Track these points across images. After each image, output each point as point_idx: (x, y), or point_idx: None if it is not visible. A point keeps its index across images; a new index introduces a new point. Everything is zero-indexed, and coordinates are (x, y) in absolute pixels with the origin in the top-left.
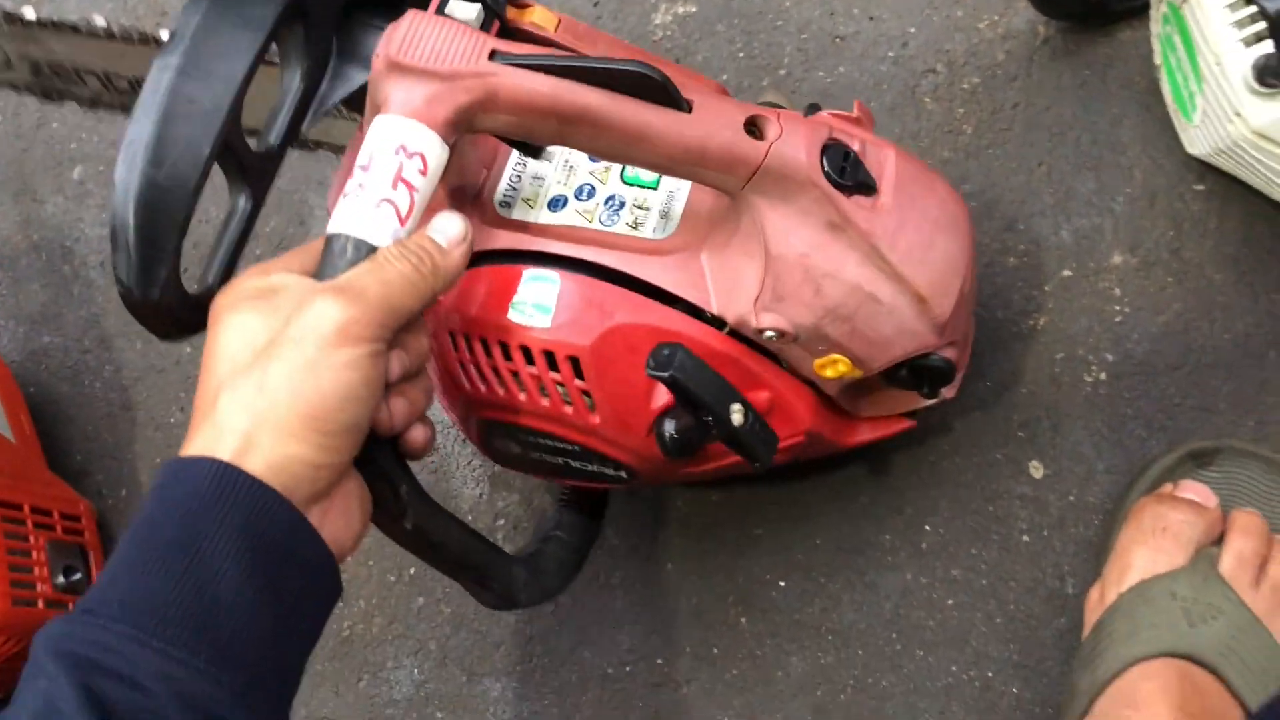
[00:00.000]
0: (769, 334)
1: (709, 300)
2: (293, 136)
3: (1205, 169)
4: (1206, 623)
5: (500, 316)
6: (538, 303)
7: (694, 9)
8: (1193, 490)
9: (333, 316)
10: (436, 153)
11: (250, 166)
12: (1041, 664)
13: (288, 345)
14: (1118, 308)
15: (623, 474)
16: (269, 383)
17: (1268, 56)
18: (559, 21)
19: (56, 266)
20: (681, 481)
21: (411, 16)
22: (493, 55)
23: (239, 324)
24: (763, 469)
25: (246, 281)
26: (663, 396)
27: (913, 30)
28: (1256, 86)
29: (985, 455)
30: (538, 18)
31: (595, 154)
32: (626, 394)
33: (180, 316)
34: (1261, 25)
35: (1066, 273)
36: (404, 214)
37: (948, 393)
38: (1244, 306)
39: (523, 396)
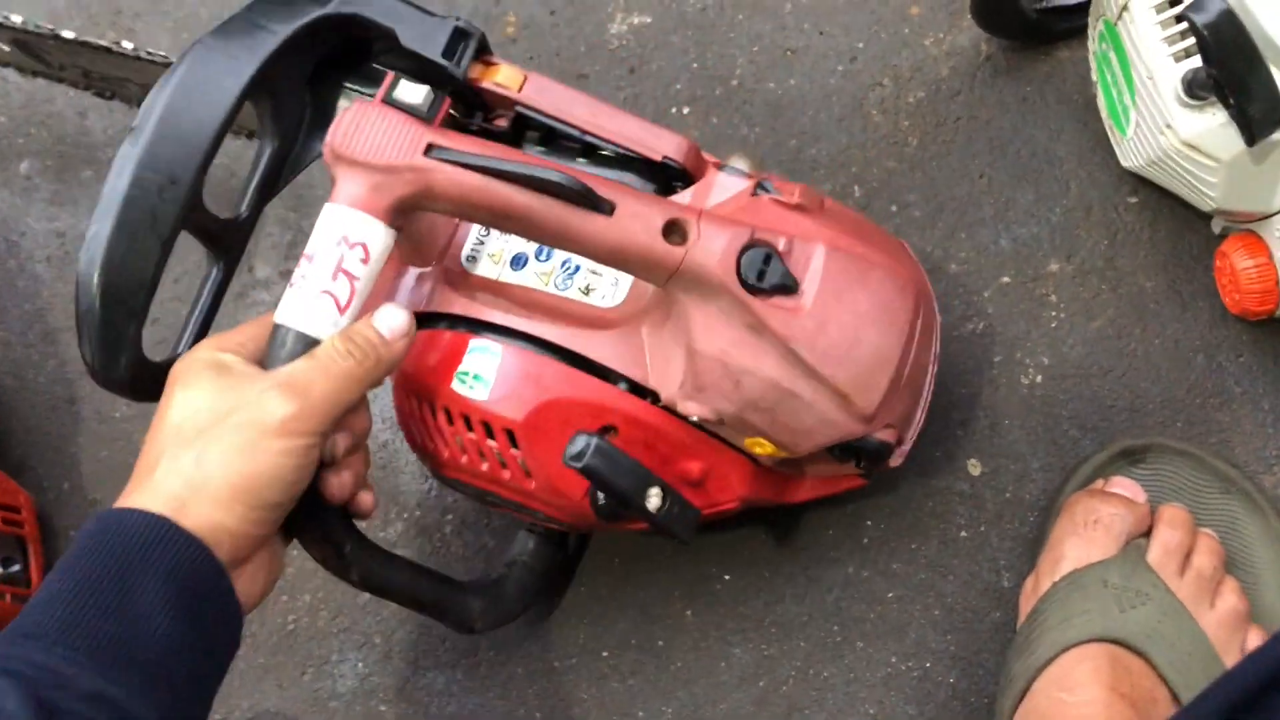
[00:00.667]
0: (695, 418)
1: (646, 375)
2: (264, 202)
3: (1138, 182)
4: (1135, 608)
5: (445, 384)
6: (478, 374)
7: (649, 20)
8: (1123, 486)
9: (276, 412)
10: (380, 240)
11: (220, 236)
12: (978, 655)
13: (229, 429)
14: (1054, 313)
15: (561, 524)
16: (207, 458)
17: (1195, 70)
18: (524, 80)
19: (1, 261)
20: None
21: (356, 108)
22: (429, 149)
23: (187, 399)
24: (686, 544)
25: (201, 353)
26: None
27: (861, 45)
28: (1186, 99)
29: (925, 453)
30: (503, 78)
31: (532, 240)
32: (559, 465)
33: (146, 386)
34: (1191, 41)
35: (1005, 279)
36: (343, 304)
37: (893, 463)
38: (1173, 313)
39: (464, 459)
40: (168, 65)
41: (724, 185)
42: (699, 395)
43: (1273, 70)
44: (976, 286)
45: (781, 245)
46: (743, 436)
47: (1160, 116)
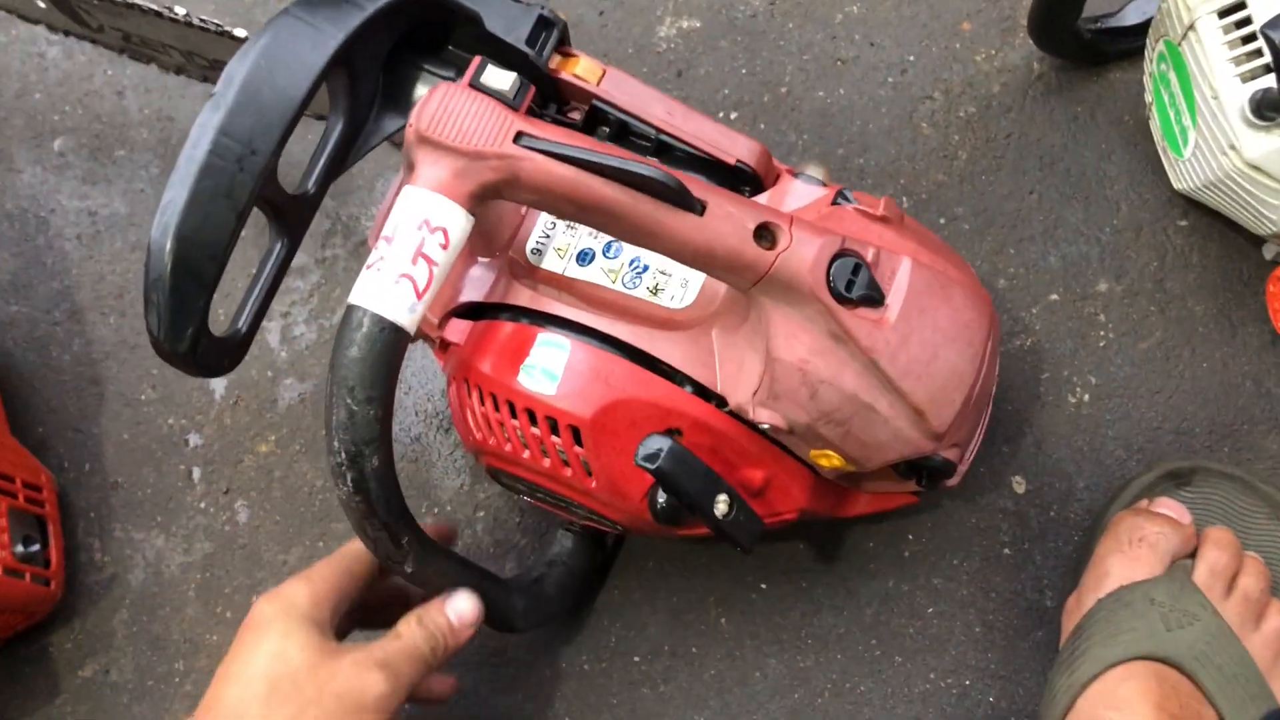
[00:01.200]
0: (767, 426)
1: (715, 379)
2: (331, 179)
3: (1189, 205)
4: (1183, 628)
5: (510, 378)
6: (546, 368)
7: (698, 24)
8: (1169, 507)
9: (374, 689)
10: (460, 226)
11: (287, 212)
12: (1018, 674)
13: (330, 699)
14: (1102, 333)
15: (618, 528)
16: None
17: (1266, 90)
18: (603, 73)
19: (30, 237)
20: (676, 539)
21: (444, 90)
22: (519, 137)
23: (284, 651)
24: (746, 553)
25: (298, 601)
26: None
27: (912, 59)
28: (1254, 119)
29: (970, 469)
30: (582, 70)
31: (613, 236)
32: (623, 465)
33: (208, 361)
34: (1259, 62)
35: (1054, 297)
36: (422, 289)
37: (951, 482)
38: (1222, 338)
39: (525, 454)
40: (220, 34)
41: (799, 193)
42: (773, 403)
43: None
44: (1025, 303)
45: (869, 256)
46: (810, 448)
47: (1224, 137)
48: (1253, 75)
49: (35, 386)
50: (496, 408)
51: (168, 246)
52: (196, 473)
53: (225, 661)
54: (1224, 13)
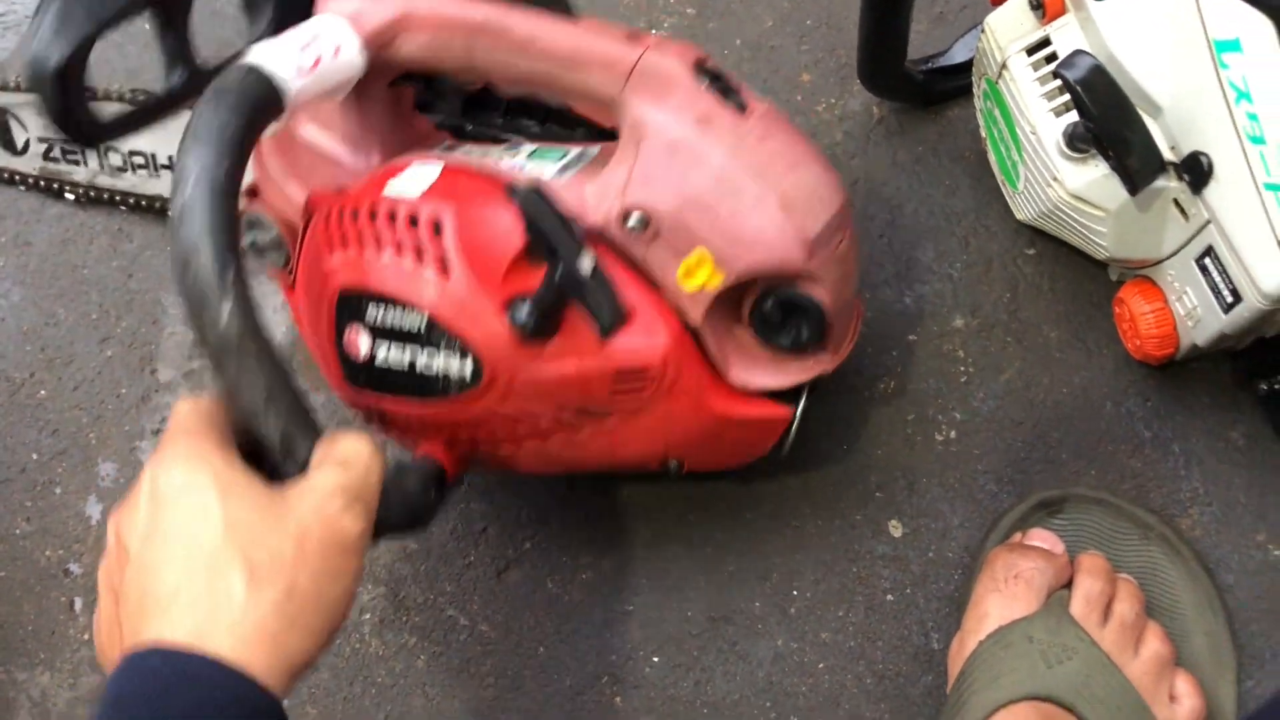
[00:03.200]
0: (634, 219)
1: (585, 212)
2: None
3: (1035, 234)
4: (1062, 664)
5: (377, 191)
6: (415, 179)
7: None
8: (1041, 538)
9: (355, 529)
10: (351, 50)
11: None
12: None
13: (313, 554)
14: (962, 368)
15: (468, 371)
16: (299, 587)
17: (1075, 124)
18: None
19: None
20: (532, 467)
21: None
22: None
23: (235, 517)
24: (607, 336)
25: (213, 453)
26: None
27: None
28: (1069, 152)
29: (846, 518)
30: None
31: (500, 72)
32: (483, 262)
33: (69, 107)
34: (1067, 97)
35: (912, 337)
36: (308, 69)
37: (825, 364)
38: (1079, 361)
39: (384, 258)
40: None
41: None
42: (642, 190)
43: (1147, 120)
44: (885, 346)
45: (731, 81)
46: (678, 258)
47: (1047, 170)
48: (1066, 108)
49: None
50: (355, 218)
51: None
52: (79, 603)
53: (148, 541)
54: (1031, 50)
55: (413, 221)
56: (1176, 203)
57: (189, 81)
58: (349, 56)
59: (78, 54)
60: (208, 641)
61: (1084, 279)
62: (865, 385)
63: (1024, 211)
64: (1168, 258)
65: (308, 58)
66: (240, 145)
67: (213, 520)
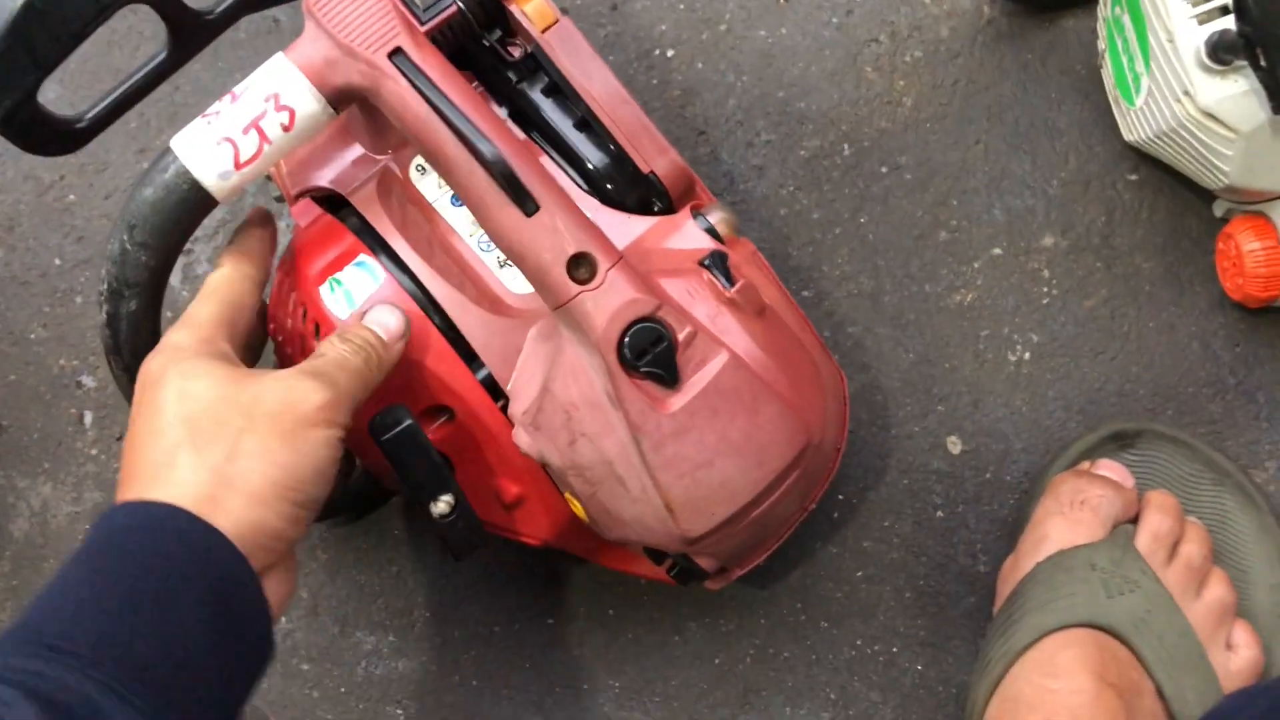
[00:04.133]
0: (522, 422)
1: (508, 379)
2: (243, 11)
3: (1139, 159)
4: (1123, 595)
5: (317, 284)
6: (350, 291)
7: None
8: (1111, 469)
9: (313, 398)
10: (310, 113)
11: (180, 24)
12: (948, 642)
13: (264, 419)
14: (1045, 289)
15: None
16: (243, 450)
17: (1223, 32)
18: (554, 23)
19: None
20: None
21: None
22: (395, 53)
23: (192, 390)
24: (455, 559)
25: (191, 340)
26: None
27: None
28: (1209, 63)
29: (903, 428)
30: (531, 10)
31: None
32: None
33: (28, 136)
34: (1216, 3)
35: (996, 251)
36: (243, 160)
37: (709, 586)
38: (1169, 297)
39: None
40: None
41: (687, 234)
42: (534, 432)
43: None
44: (966, 256)
45: (683, 334)
46: (564, 489)
47: (1177, 83)
48: (1209, 17)
49: None
50: (295, 305)
51: (12, 9)
52: (89, 417)
53: (129, 435)
54: None
55: None
56: None
57: (174, 47)
58: (305, 122)
59: (22, 102)
60: (155, 493)
61: (1186, 212)
62: (941, 294)
63: (1136, 132)
64: None
65: (248, 146)
66: (161, 258)
67: (168, 396)
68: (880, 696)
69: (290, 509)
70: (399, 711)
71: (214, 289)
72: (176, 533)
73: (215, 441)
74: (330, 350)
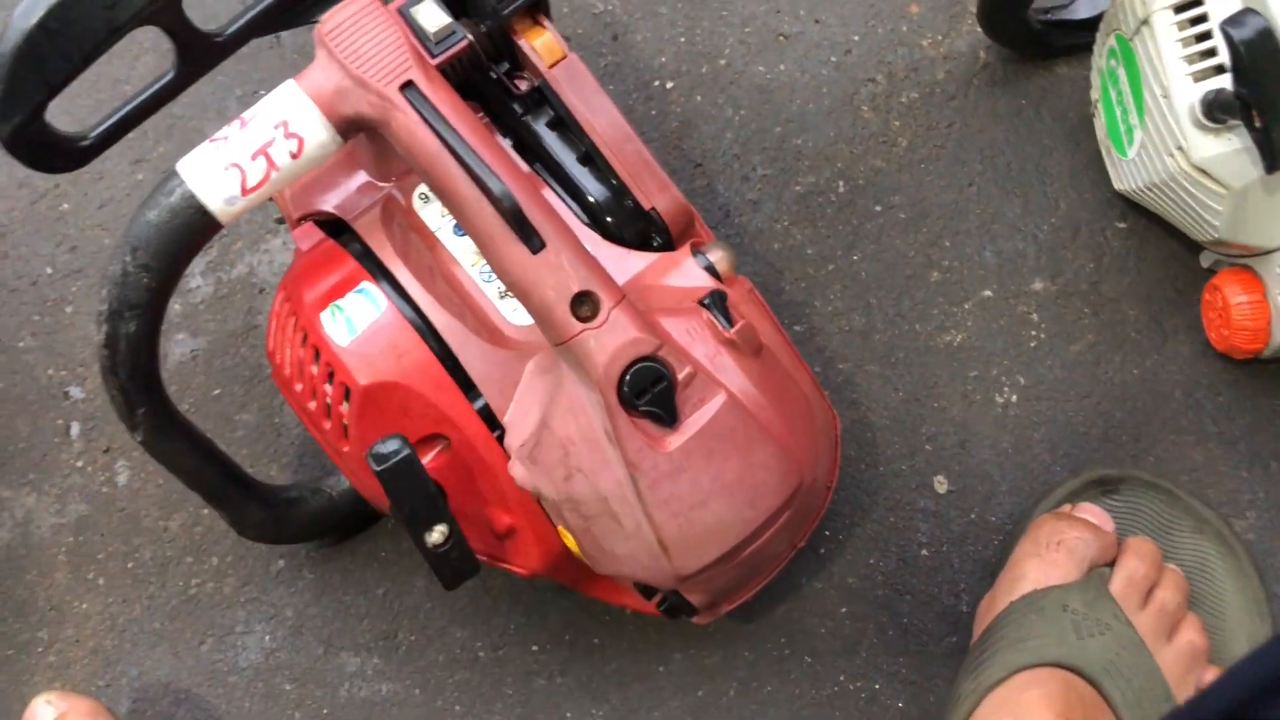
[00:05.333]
0: (516, 454)
1: (504, 410)
2: (252, 34)
3: (1129, 207)
4: (1094, 637)
5: (317, 310)
6: (352, 318)
7: None
8: (1091, 513)
9: None
10: (319, 141)
11: (188, 45)
12: (930, 680)
13: None
14: (1034, 332)
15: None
16: None
17: (1218, 91)
18: (562, 58)
19: None
20: None
21: (364, 4)
22: (406, 86)
23: None
24: (445, 589)
25: None
26: None
27: (856, 39)
28: (1204, 121)
29: (891, 465)
30: (540, 45)
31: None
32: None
33: (34, 155)
34: (1212, 61)
35: (987, 293)
36: (249, 187)
37: (698, 621)
38: (1154, 344)
39: (299, 386)
40: None
41: (686, 272)
42: (530, 465)
43: None
44: (957, 297)
45: (683, 374)
46: (557, 522)
47: (1171, 138)
48: (1205, 75)
49: None
50: (294, 330)
51: (24, 29)
52: (75, 429)
53: None
54: (1179, 8)
55: (329, 375)
56: None
57: (182, 67)
58: (314, 150)
59: (29, 121)
60: None
61: (1173, 261)
62: (931, 334)
63: (1127, 181)
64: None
65: (256, 171)
66: (163, 281)
67: None
68: None
69: None
70: None
71: None
72: None
73: None
74: None
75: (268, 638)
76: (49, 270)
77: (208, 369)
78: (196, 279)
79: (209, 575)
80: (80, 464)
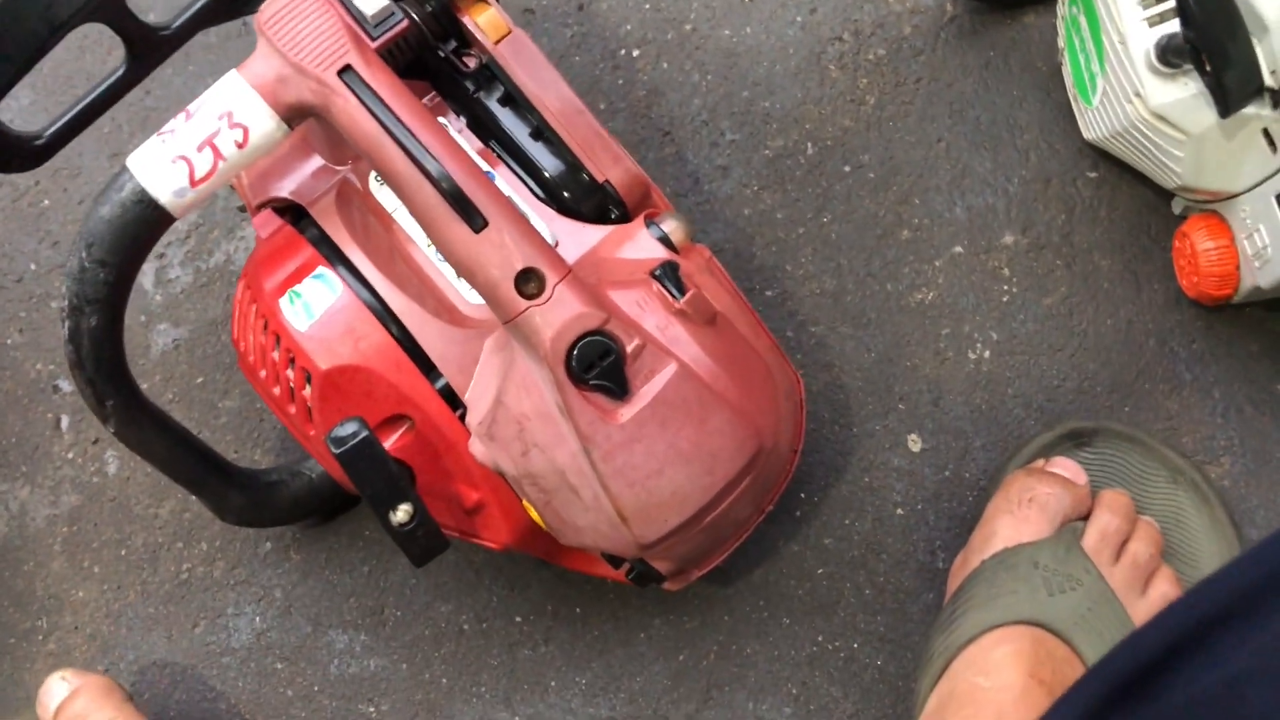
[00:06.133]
0: (476, 431)
1: (465, 388)
2: (198, 27)
3: (1099, 156)
4: (1065, 593)
5: (276, 296)
6: (310, 303)
7: None
8: (1064, 466)
9: None
10: (264, 130)
11: (138, 41)
12: (908, 638)
13: None
14: (1005, 287)
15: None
16: None
17: (1170, 36)
18: (507, 33)
19: None
20: None
21: None
22: (345, 70)
23: None
24: (415, 566)
25: None
26: None
27: None
28: (1158, 66)
29: (865, 426)
30: (484, 21)
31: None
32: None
33: None
34: (1166, 5)
35: (958, 249)
36: (198, 178)
37: (667, 587)
38: (1127, 295)
39: (263, 373)
40: None
41: (640, 243)
42: (489, 441)
43: (1252, 40)
44: (928, 255)
45: (632, 346)
46: (520, 496)
47: (1129, 84)
48: (1160, 19)
49: None
50: (256, 317)
51: None
52: (65, 421)
53: None
54: None
55: (291, 360)
56: (1266, 133)
57: (133, 62)
58: (259, 139)
59: None
60: None
61: (1144, 209)
62: (902, 293)
63: (1094, 130)
64: (1244, 192)
65: (203, 163)
66: (119, 275)
67: None
68: (840, 691)
69: None
70: (371, 709)
71: None
72: None
73: None
74: None
75: (258, 619)
76: (33, 266)
77: (190, 358)
78: (176, 269)
79: (199, 560)
80: (71, 455)
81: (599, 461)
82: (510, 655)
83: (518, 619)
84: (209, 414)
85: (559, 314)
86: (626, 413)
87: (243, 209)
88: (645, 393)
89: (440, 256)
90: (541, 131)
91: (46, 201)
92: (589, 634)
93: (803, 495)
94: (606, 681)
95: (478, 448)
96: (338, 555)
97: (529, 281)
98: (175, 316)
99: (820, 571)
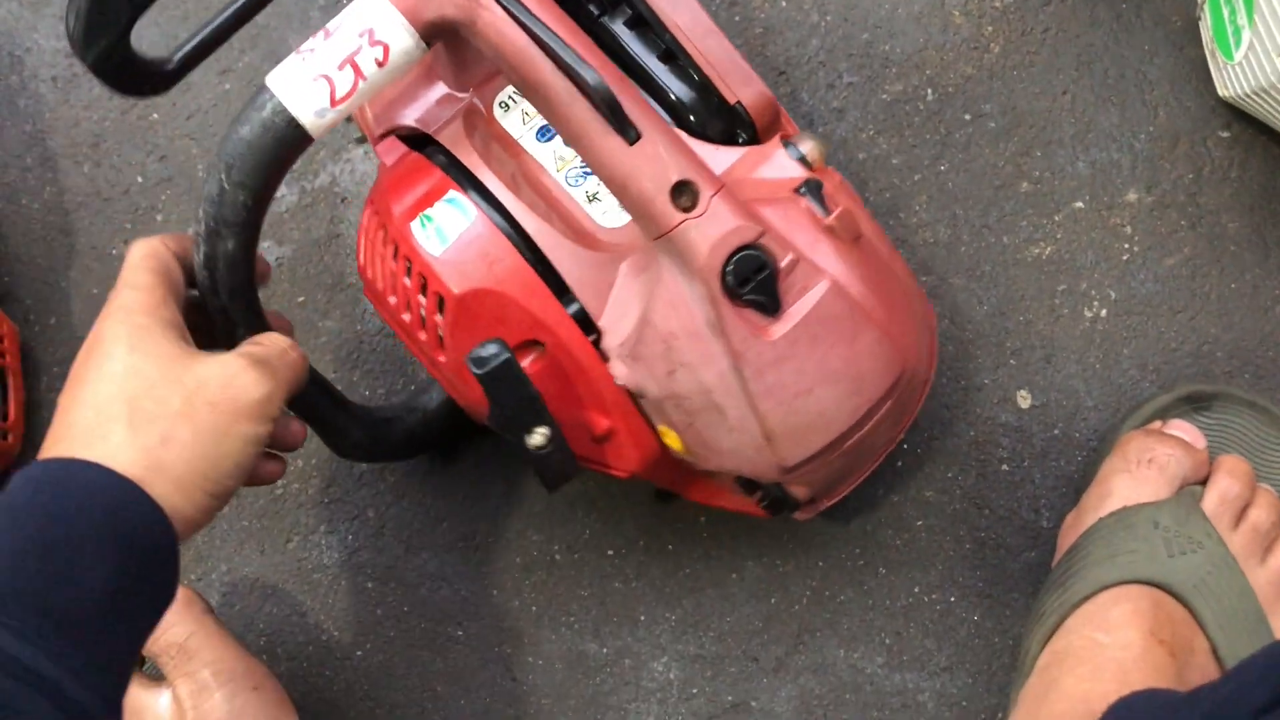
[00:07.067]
0: (615, 353)
1: (600, 312)
2: None
3: (1233, 115)
4: (1185, 555)
5: (407, 221)
6: (442, 228)
7: None
8: (1183, 429)
9: (253, 392)
10: (403, 48)
11: None
12: (1007, 594)
13: (203, 408)
14: (1127, 245)
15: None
16: (176, 438)
17: None
18: None
19: (3, 75)
20: None
21: None
22: None
23: (139, 365)
24: (548, 490)
25: (134, 306)
26: None
27: None
28: None
29: (973, 379)
30: None
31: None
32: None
33: (120, 79)
34: None
35: (1079, 204)
36: (339, 97)
37: (799, 516)
38: (1254, 259)
39: (392, 299)
40: None
41: (777, 164)
42: (632, 363)
43: None
44: (1047, 209)
45: (784, 262)
46: (659, 420)
47: None
48: None
49: (2, 234)
50: (384, 243)
51: None
52: None
53: (67, 394)
54: None
55: (423, 285)
56: None
57: None
58: (399, 57)
59: (115, 44)
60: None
61: (1278, 172)
62: (1019, 247)
63: (1233, 87)
64: None
65: (344, 81)
66: (258, 197)
67: (115, 368)
68: (935, 644)
69: (206, 500)
70: (459, 632)
71: (144, 256)
72: (104, 490)
73: (152, 422)
74: (271, 342)
75: (350, 537)
76: (140, 179)
77: (292, 276)
78: (281, 188)
79: (294, 476)
80: None
81: (749, 380)
82: (601, 587)
83: (609, 552)
84: (309, 333)
85: (715, 227)
86: (779, 330)
87: (361, 139)
88: (797, 309)
89: (570, 181)
90: (671, 53)
91: (155, 115)
92: (681, 571)
93: (905, 446)
94: (697, 619)
95: (620, 370)
96: (432, 479)
97: (683, 194)
98: (279, 235)
99: (920, 524)
